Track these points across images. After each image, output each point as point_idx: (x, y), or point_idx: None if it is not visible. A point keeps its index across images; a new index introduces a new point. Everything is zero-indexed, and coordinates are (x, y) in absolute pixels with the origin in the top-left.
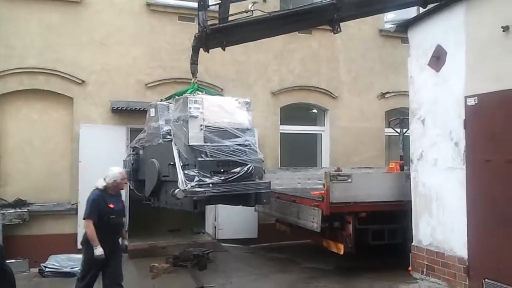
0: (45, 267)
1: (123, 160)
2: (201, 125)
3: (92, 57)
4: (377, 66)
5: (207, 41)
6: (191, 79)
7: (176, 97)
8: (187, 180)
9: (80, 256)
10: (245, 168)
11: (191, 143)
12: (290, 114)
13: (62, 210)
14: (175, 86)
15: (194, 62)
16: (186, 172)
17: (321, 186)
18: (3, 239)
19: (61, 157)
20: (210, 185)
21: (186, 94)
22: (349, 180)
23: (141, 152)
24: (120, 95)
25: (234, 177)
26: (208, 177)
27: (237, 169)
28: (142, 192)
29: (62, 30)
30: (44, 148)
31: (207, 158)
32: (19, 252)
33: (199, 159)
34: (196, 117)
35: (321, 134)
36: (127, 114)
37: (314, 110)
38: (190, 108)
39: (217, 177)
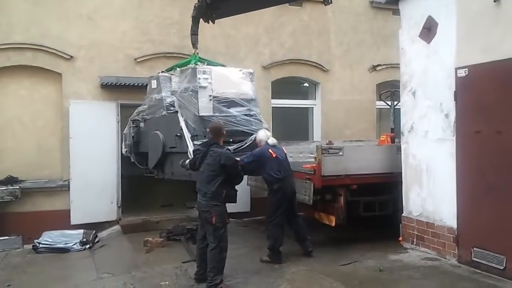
0: (39, 243)
1: (123, 133)
2: (210, 96)
3: (80, 32)
4: (368, 38)
5: (208, 11)
6: (180, 53)
7: (178, 68)
8: None
9: (73, 231)
10: (253, 138)
11: (201, 114)
12: (281, 88)
13: (54, 187)
14: (165, 60)
15: (194, 32)
16: (195, 142)
17: (313, 160)
18: None
19: (51, 133)
20: None
21: (192, 65)
22: (341, 153)
23: (142, 124)
24: (109, 71)
25: (243, 147)
26: None
27: (246, 139)
28: (144, 165)
29: (49, 4)
30: (34, 125)
31: None
32: (12, 229)
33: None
34: (205, 87)
35: (312, 107)
36: (117, 89)
37: (306, 84)
38: (199, 78)
39: (227, 147)
